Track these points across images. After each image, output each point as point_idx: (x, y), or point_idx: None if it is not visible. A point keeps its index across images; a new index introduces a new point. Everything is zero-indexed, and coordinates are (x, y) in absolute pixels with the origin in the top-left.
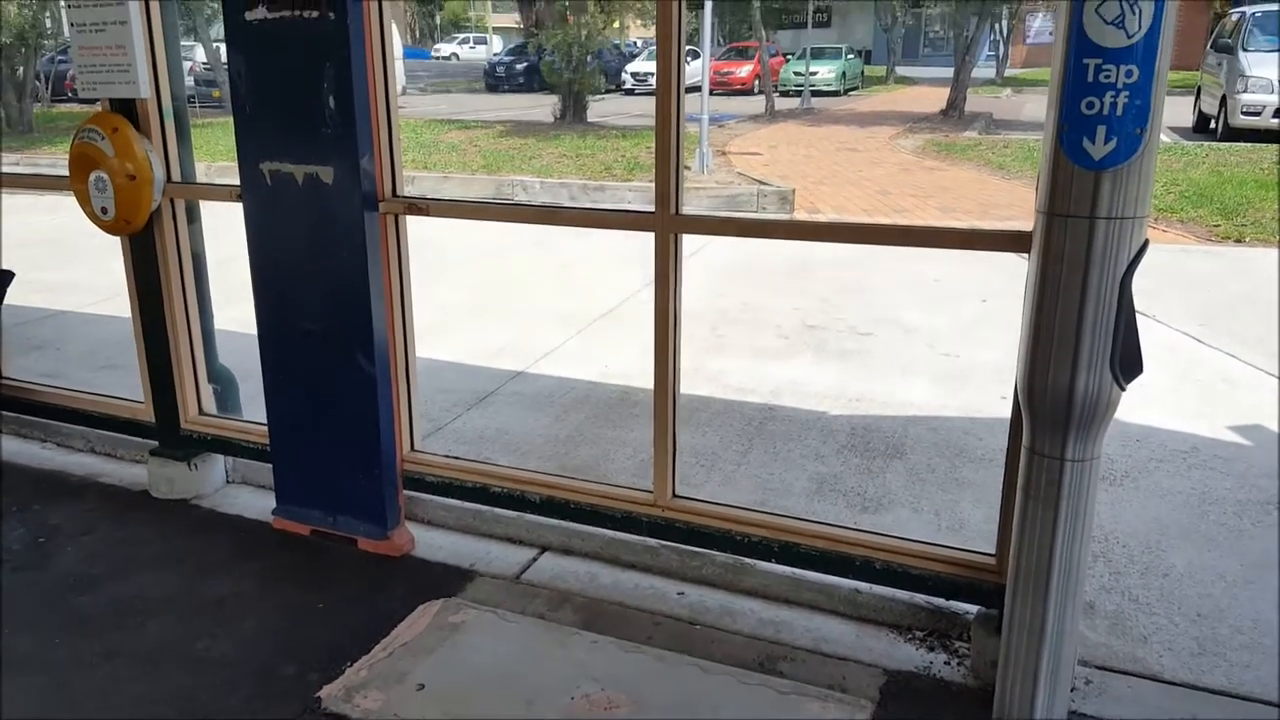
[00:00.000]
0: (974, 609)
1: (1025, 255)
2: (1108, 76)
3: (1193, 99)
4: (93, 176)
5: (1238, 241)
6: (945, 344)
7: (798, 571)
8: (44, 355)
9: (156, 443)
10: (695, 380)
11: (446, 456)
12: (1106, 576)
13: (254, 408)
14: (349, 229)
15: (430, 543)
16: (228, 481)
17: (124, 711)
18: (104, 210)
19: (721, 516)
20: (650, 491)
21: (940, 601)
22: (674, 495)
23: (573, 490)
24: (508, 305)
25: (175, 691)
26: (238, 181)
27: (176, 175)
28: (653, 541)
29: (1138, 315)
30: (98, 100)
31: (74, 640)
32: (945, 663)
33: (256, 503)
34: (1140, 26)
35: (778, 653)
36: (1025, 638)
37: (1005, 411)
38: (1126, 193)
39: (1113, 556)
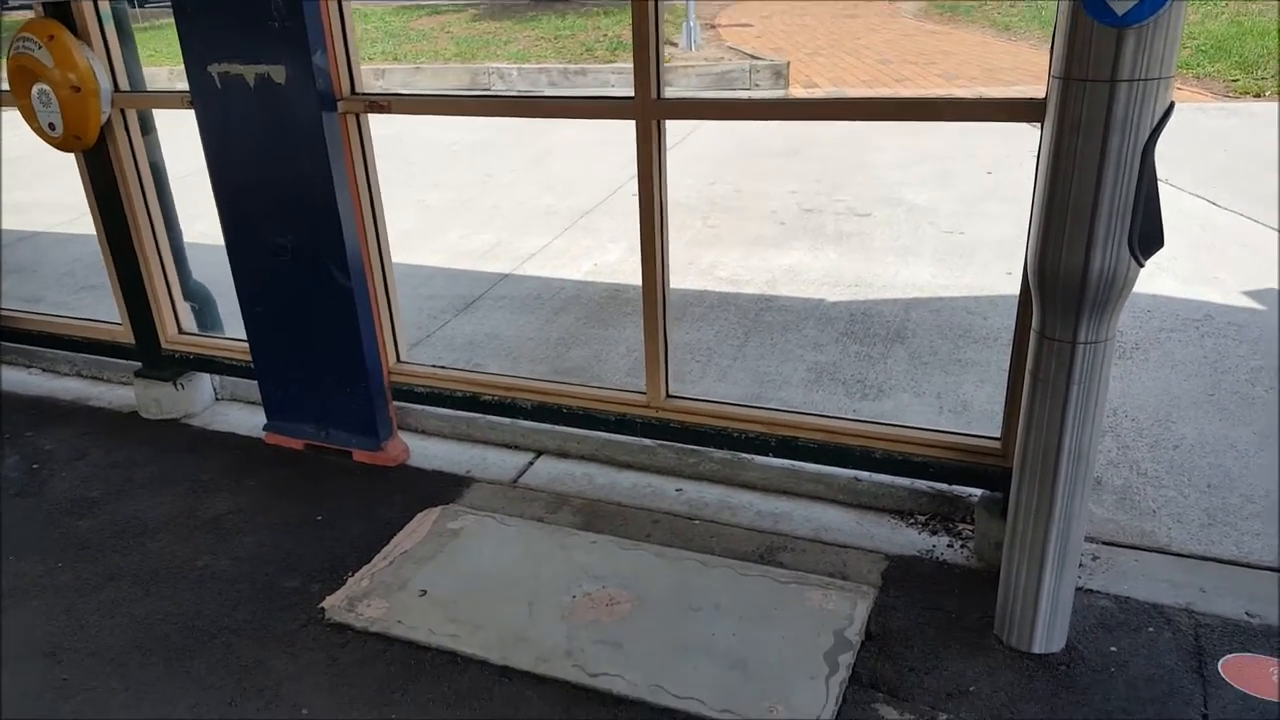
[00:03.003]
0: (978, 492)
1: (1038, 125)
2: None
3: None
4: (35, 90)
5: (1256, 96)
6: (948, 221)
7: (797, 463)
8: (21, 279)
9: (140, 364)
10: (688, 274)
11: (434, 367)
12: (1114, 451)
13: (236, 323)
14: (307, 132)
15: (426, 451)
16: (217, 399)
17: (130, 630)
18: (52, 126)
19: (716, 414)
20: (643, 393)
21: (943, 485)
22: (667, 395)
23: (564, 395)
24: (489, 203)
25: (179, 609)
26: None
27: (124, 84)
28: (649, 441)
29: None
30: (30, 6)
31: (76, 564)
32: (948, 545)
33: (248, 419)
34: None
35: (778, 543)
36: (1032, 522)
37: (1010, 289)
38: (1152, 51)
39: (1121, 431)
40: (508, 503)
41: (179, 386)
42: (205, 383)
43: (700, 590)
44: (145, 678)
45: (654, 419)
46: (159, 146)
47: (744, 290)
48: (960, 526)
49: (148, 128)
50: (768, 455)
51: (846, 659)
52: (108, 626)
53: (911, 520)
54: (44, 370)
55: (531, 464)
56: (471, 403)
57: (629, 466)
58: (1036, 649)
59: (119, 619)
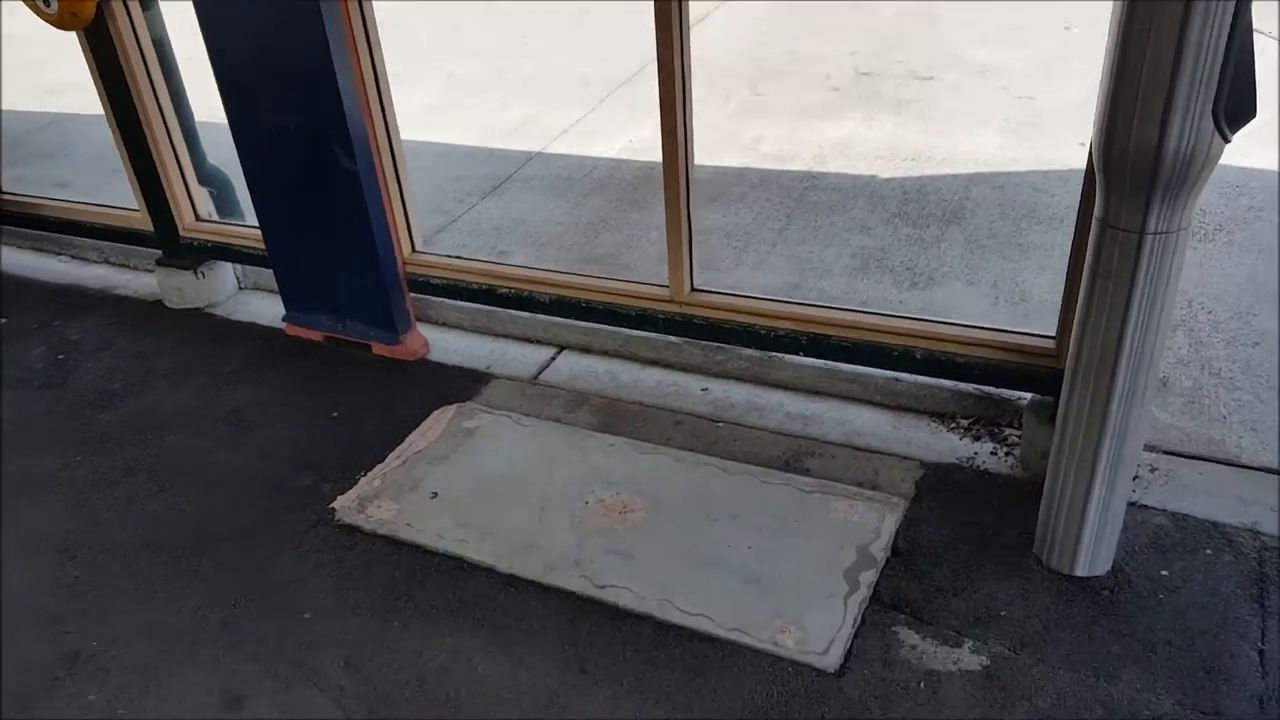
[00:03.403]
0: (1028, 395)
1: None
2: None
3: None
4: None
5: None
6: (1020, 84)
7: (832, 362)
8: (53, 163)
9: (161, 252)
10: (729, 150)
11: (450, 257)
12: (1186, 348)
13: None
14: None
15: (446, 345)
16: (240, 288)
17: (142, 528)
18: (46, 3)
19: (743, 310)
20: (666, 286)
21: (990, 388)
22: (692, 289)
23: (584, 289)
24: (521, 73)
25: (192, 507)
26: None
27: None
28: (674, 337)
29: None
30: None
31: (94, 457)
32: (991, 453)
33: (270, 309)
34: None
35: (805, 448)
36: (1083, 431)
37: (1083, 162)
38: None
39: (1195, 324)
40: (526, 400)
41: (200, 275)
42: (227, 271)
43: (719, 498)
44: (154, 576)
45: (677, 315)
46: (162, 21)
47: (789, 167)
48: (1006, 432)
49: (147, 3)
50: (799, 354)
51: (869, 577)
52: (120, 523)
53: (953, 424)
54: (73, 258)
55: (553, 359)
56: (488, 296)
57: (654, 363)
58: (1079, 571)
59: (132, 516)
